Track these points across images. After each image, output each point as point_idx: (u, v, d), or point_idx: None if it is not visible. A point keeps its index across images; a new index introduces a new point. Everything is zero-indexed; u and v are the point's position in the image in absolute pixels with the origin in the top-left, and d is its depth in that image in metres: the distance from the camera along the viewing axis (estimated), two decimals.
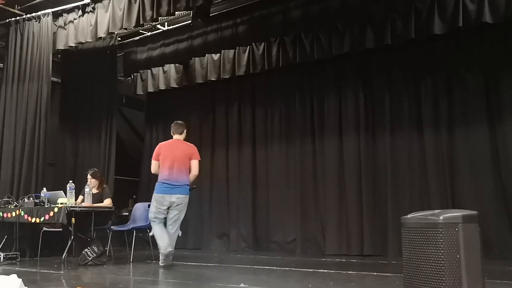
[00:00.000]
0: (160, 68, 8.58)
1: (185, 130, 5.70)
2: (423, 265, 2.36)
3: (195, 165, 5.52)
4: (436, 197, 6.29)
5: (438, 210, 2.48)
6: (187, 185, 5.47)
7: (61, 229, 6.25)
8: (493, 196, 5.96)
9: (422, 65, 6.69)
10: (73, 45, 7.77)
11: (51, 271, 5.09)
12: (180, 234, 5.56)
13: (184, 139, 5.72)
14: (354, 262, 6.03)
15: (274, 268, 5.19)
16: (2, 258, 5.88)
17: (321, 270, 4.98)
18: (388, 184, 6.70)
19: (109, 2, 7.14)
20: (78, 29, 7.53)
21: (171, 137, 5.73)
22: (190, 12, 7.17)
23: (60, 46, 7.83)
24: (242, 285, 3.96)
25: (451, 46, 6.46)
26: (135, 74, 8.97)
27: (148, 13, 6.67)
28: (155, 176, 8.98)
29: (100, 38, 7.58)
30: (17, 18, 7.88)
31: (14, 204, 6.28)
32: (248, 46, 7.51)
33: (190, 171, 5.51)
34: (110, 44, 8.50)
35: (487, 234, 5.53)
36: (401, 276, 2.79)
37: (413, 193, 6.54)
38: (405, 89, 6.80)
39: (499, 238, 5.79)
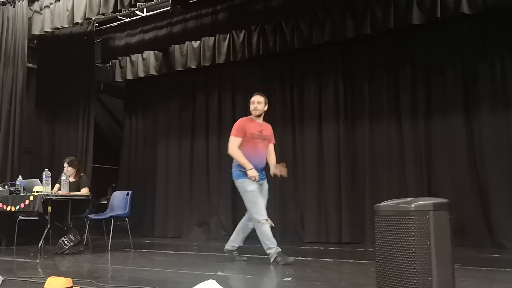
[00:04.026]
0: (139, 55, 8.47)
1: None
2: (394, 252, 2.40)
3: None
4: (413, 185, 6.39)
5: (411, 198, 2.52)
6: (235, 166, 4.84)
7: (37, 218, 6.16)
8: (468, 184, 6.08)
9: (402, 55, 6.74)
10: (49, 30, 7.62)
11: (27, 260, 5.03)
12: (250, 226, 5.01)
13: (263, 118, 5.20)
14: (332, 250, 6.09)
15: (252, 256, 5.21)
16: None
17: (299, 258, 5.02)
18: (366, 173, 6.78)
19: None
20: (54, 14, 7.38)
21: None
22: None
23: (36, 31, 7.67)
24: (219, 273, 3.98)
25: (431, 37, 6.52)
26: (113, 60, 8.84)
27: None
28: (134, 165, 9.05)
29: (77, 23, 7.45)
30: None
31: None
32: (228, 34, 7.47)
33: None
34: (88, 30, 8.36)
35: (461, 221, 5.67)
36: None
37: (391, 181, 6.62)
38: (385, 78, 6.86)
39: (473, 226, 5.91)
